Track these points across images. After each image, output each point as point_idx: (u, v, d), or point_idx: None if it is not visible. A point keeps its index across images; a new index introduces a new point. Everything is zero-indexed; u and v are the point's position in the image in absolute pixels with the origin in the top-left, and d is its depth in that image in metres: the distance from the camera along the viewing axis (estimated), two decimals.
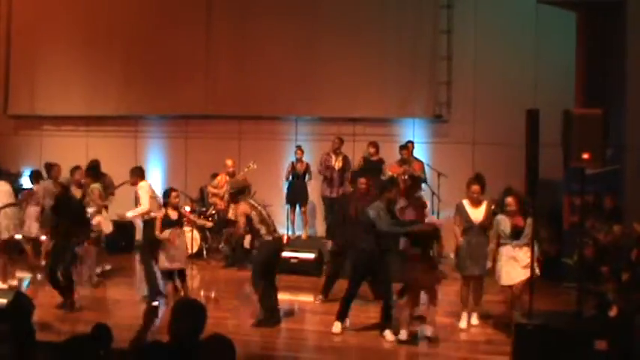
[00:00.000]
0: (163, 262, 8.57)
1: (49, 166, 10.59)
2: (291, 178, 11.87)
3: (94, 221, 9.50)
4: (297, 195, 11.85)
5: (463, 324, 7.81)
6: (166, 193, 8.74)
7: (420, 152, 11.92)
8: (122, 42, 13.49)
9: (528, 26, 11.94)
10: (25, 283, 9.83)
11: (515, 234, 7.28)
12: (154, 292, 8.69)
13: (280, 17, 12.84)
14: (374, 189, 8.44)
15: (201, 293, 9.60)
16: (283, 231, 11.09)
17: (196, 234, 11.18)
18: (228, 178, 11.25)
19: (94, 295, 9.18)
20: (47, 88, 13.85)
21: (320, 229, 12.26)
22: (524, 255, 7.11)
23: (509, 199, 7.34)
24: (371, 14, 12.55)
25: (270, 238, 7.86)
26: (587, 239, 8.53)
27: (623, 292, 7.57)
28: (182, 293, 8.53)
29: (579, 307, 6.53)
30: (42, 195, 10.27)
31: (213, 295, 9.51)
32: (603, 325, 6.68)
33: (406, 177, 11.06)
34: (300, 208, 11.94)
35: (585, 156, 6.28)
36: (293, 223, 12.01)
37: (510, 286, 7.30)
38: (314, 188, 11.99)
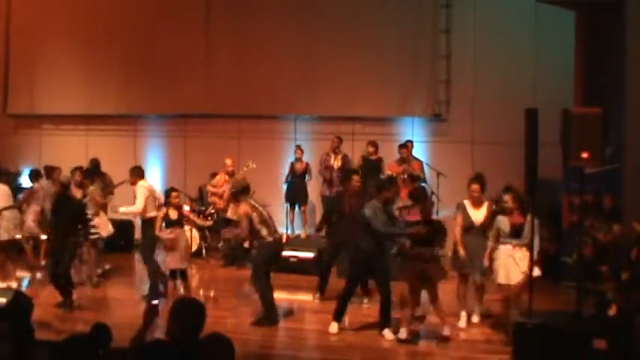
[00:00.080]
0: (164, 262, 8.57)
1: (50, 169, 10.60)
2: (290, 177, 11.87)
3: (93, 223, 9.51)
4: (296, 194, 11.85)
5: (462, 323, 7.80)
6: (167, 193, 8.75)
7: (419, 151, 11.92)
8: (121, 41, 13.49)
9: (527, 25, 11.95)
10: (24, 283, 9.83)
11: (515, 233, 7.20)
12: (155, 291, 8.69)
13: (279, 16, 12.84)
14: (371, 187, 8.43)
15: (201, 292, 9.60)
16: (282, 230, 11.09)
17: (195, 233, 11.17)
18: (227, 177, 11.25)
19: (94, 294, 9.18)
20: (46, 87, 13.85)
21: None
22: (523, 256, 7.05)
23: (507, 196, 7.30)
24: (370, 13, 12.54)
25: (271, 239, 7.87)
26: (587, 238, 8.53)
27: (622, 292, 7.56)
28: (182, 292, 8.52)
29: (579, 306, 6.52)
30: (42, 195, 10.28)
31: (212, 294, 9.51)
32: (603, 324, 6.68)
33: (405, 176, 11.08)
34: (299, 207, 11.94)
35: (584, 155, 6.28)
36: (292, 222, 12.01)
37: (509, 285, 7.26)
38: (314, 188, 11.99)
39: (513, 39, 12.02)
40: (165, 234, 8.45)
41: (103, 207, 10.37)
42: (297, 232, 12.02)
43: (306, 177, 11.85)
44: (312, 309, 8.74)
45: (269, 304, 7.83)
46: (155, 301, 8.05)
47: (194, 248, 11.20)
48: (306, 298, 9.16)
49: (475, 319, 7.91)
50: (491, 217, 7.58)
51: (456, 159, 11.93)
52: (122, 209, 9.26)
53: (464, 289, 7.90)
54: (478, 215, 7.70)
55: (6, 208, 9.37)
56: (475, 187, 7.72)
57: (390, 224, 7.40)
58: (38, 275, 9.99)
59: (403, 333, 7.19)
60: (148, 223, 8.89)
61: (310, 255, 10.56)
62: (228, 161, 11.49)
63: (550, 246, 9.74)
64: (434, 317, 7.49)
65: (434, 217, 7.79)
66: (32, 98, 13.99)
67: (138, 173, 9.21)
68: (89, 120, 13.82)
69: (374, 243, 7.35)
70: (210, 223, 10.64)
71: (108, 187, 11.17)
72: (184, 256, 8.68)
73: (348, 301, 7.62)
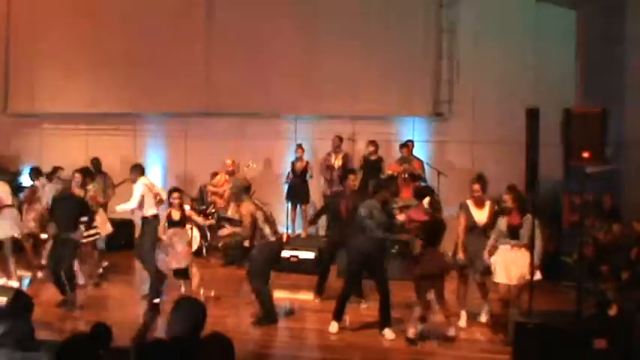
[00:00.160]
0: (163, 261, 8.57)
1: (54, 170, 10.63)
2: (291, 176, 11.87)
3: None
4: (298, 194, 11.85)
5: (462, 323, 7.80)
6: (169, 194, 8.75)
7: (419, 151, 11.93)
8: (122, 40, 13.47)
9: (529, 25, 11.94)
10: (25, 282, 9.83)
11: (512, 233, 7.17)
12: (155, 291, 8.68)
13: (281, 16, 12.84)
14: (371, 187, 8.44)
15: (201, 292, 9.59)
16: (283, 229, 11.09)
17: (196, 232, 11.16)
18: (227, 177, 11.26)
19: (95, 293, 9.18)
20: (47, 87, 13.85)
21: (321, 228, 12.25)
22: (522, 256, 7.03)
23: (506, 196, 7.27)
24: (372, 13, 12.54)
25: (273, 238, 7.89)
26: (587, 238, 8.52)
27: (622, 291, 7.57)
28: (183, 292, 8.52)
29: (579, 306, 6.52)
30: (43, 193, 10.29)
31: (212, 293, 9.50)
32: (603, 324, 6.68)
33: (406, 175, 11.09)
34: (300, 207, 11.93)
35: (585, 155, 6.28)
36: (294, 221, 12.02)
37: (508, 285, 7.24)
38: (316, 187, 11.98)
39: (514, 38, 12.01)
40: (165, 234, 8.44)
41: (104, 206, 10.37)
42: (297, 231, 12.02)
43: (307, 175, 11.85)
44: (312, 308, 8.73)
45: (268, 303, 7.84)
46: (156, 300, 8.09)
47: (194, 247, 11.20)
48: (306, 297, 9.16)
49: (483, 318, 7.87)
50: (493, 217, 7.57)
51: (457, 158, 11.94)
52: (119, 208, 9.27)
53: (464, 289, 7.89)
54: (481, 215, 7.69)
55: (5, 207, 9.36)
56: (476, 186, 7.71)
57: (389, 224, 7.40)
58: (39, 274, 9.99)
59: (411, 332, 7.16)
60: (147, 221, 8.89)
61: (311, 255, 10.56)
62: (229, 161, 11.50)
63: (550, 245, 9.74)
64: (439, 317, 7.45)
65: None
66: (32, 97, 13.98)
67: (138, 171, 9.20)
68: (90, 119, 13.81)
69: (371, 242, 7.34)
70: (212, 222, 10.64)
71: (109, 187, 11.17)
72: (183, 257, 8.68)
73: (347, 300, 7.62)
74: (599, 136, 6.34)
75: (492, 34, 12.08)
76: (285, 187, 12.03)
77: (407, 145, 11.35)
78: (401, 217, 7.70)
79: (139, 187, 8.95)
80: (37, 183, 10.60)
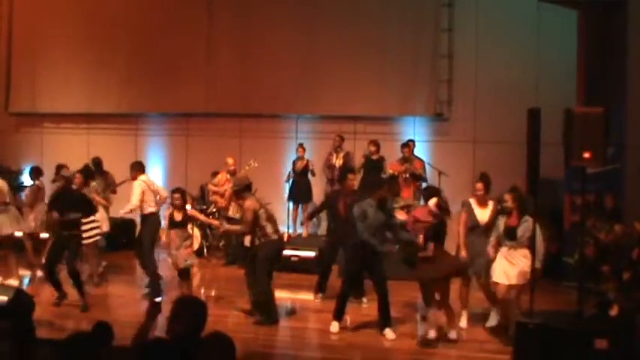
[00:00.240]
0: (175, 258, 8.55)
1: (59, 167, 10.62)
2: (293, 175, 11.87)
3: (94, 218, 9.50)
4: (300, 193, 11.84)
5: (463, 323, 7.79)
6: (170, 195, 8.73)
7: (420, 151, 11.92)
8: (123, 39, 13.49)
9: (530, 25, 11.95)
10: (25, 281, 9.83)
11: (508, 233, 7.12)
12: (156, 290, 8.68)
13: (281, 15, 12.85)
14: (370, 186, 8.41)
15: (202, 291, 9.60)
16: (284, 229, 11.10)
17: (197, 232, 11.17)
18: (228, 176, 11.24)
19: (96, 292, 9.17)
20: (48, 86, 13.87)
21: (322, 227, 12.25)
22: (521, 257, 7.01)
23: (507, 196, 7.25)
24: (372, 12, 12.55)
25: (275, 237, 7.90)
26: (588, 238, 8.52)
27: (623, 292, 7.56)
28: (184, 291, 8.50)
29: (580, 306, 6.51)
30: (44, 193, 10.30)
31: (213, 292, 9.51)
32: (604, 324, 6.67)
33: (407, 175, 11.10)
34: (302, 206, 11.93)
35: (586, 155, 6.27)
36: (295, 221, 12.01)
37: (507, 285, 7.21)
38: (319, 187, 11.97)
39: (515, 38, 12.03)
40: (166, 235, 8.43)
41: (106, 208, 10.35)
42: (298, 231, 12.02)
43: (308, 174, 11.85)
44: (313, 308, 8.74)
45: (270, 303, 7.83)
46: (158, 299, 8.09)
47: (196, 247, 11.20)
48: (307, 297, 9.16)
49: (493, 321, 7.74)
50: (495, 217, 7.56)
51: (458, 158, 11.92)
52: (123, 211, 9.23)
53: (466, 289, 7.87)
54: (483, 215, 7.68)
55: (2, 205, 9.36)
56: (479, 185, 7.70)
57: (388, 223, 7.40)
58: (39, 273, 9.99)
59: (432, 333, 7.15)
60: (147, 220, 8.86)
61: (311, 254, 10.57)
62: (230, 160, 11.49)
63: (551, 246, 9.74)
64: (441, 318, 7.41)
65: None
66: (34, 97, 14.01)
67: (138, 168, 9.15)
68: (91, 118, 13.84)
69: (366, 243, 7.33)
70: (217, 222, 10.62)
71: (110, 186, 11.17)
72: (184, 257, 8.66)
73: (346, 300, 7.62)
74: (601, 136, 6.32)
75: (493, 34, 12.10)
76: (287, 186, 12.03)
77: (408, 145, 11.34)
78: (404, 217, 7.68)
79: (137, 186, 8.93)
80: (37, 182, 10.61)
